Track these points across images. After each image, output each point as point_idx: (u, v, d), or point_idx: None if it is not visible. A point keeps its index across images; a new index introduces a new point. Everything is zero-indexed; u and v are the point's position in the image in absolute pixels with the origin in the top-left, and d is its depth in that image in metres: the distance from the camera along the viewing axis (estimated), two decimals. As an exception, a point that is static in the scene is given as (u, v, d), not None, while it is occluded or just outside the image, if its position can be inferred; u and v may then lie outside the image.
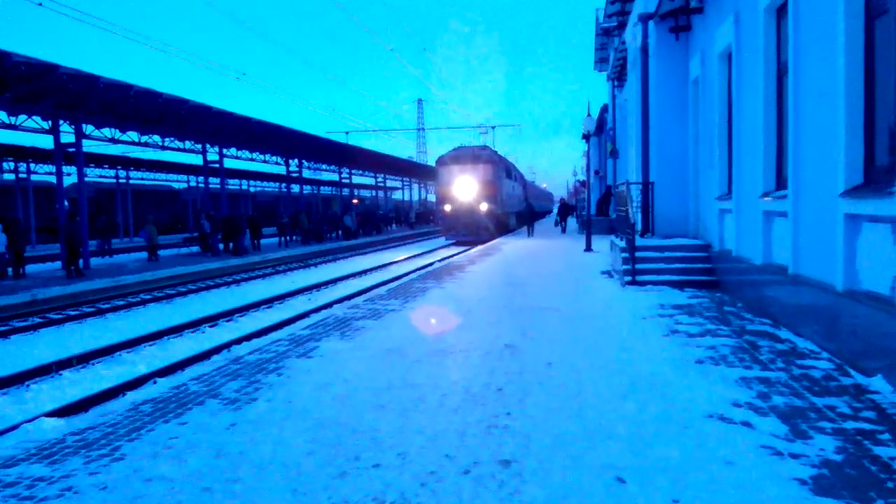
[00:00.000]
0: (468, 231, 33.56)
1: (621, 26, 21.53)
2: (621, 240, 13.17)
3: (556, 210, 44.97)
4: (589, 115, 23.57)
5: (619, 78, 25.23)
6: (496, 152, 38.63)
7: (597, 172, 37.68)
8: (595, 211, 30.99)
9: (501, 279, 13.88)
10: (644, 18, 13.86)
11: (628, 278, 11.87)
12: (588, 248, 20.76)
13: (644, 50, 14.05)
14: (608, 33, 27.56)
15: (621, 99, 25.76)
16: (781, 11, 8.40)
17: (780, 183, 8.55)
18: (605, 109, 33.10)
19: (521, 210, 44.22)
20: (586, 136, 24.47)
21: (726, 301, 10.03)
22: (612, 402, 5.15)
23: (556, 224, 39.49)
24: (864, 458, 3.93)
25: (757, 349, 6.78)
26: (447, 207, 34.16)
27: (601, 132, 34.12)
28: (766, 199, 8.70)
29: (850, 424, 4.49)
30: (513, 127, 62.16)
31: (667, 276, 11.80)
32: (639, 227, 13.60)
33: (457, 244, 34.32)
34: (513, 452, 4.19)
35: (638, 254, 12.08)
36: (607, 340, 7.46)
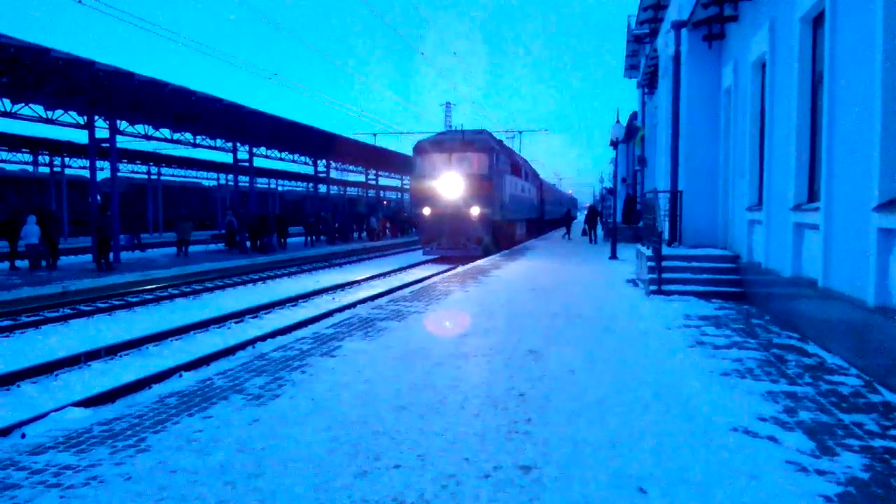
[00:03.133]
0: (454, 243, 25.58)
1: (653, 33, 21.40)
2: (648, 248, 13.06)
3: (583, 217, 39.02)
4: (618, 121, 23.44)
5: (649, 85, 25.08)
6: (497, 139, 29.96)
7: (624, 180, 37.36)
8: (621, 219, 30.78)
9: (525, 285, 13.84)
10: (677, 26, 13.75)
11: (654, 287, 11.77)
12: (613, 256, 20.63)
13: (676, 58, 13.95)
14: (640, 40, 27.41)
15: (651, 106, 25.57)
16: (818, 21, 8.28)
17: (812, 195, 8.43)
18: (634, 117, 32.89)
19: (533, 217, 37.67)
20: (614, 143, 24.25)
21: (753, 313, 9.89)
22: (635, 411, 5.11)
23: (584, 234, 33.12)
24: (891, 476, 3.85)
25: (784, 363, 6.68)
26: (426, 211, 25.66)
27: (630, 139, 33.81)
28: (798, 211, 8.58)
29: (877, 442, 4.40)
30: (540, 132, 62.01)
31: (693, 287, 11.67)
32: (666, 235, 13.49)
33: (439, 261, 26.43)
34: (533, 458, 4.18)
35: (664, 263, 11.98)
36: (631, 349, 7.41)
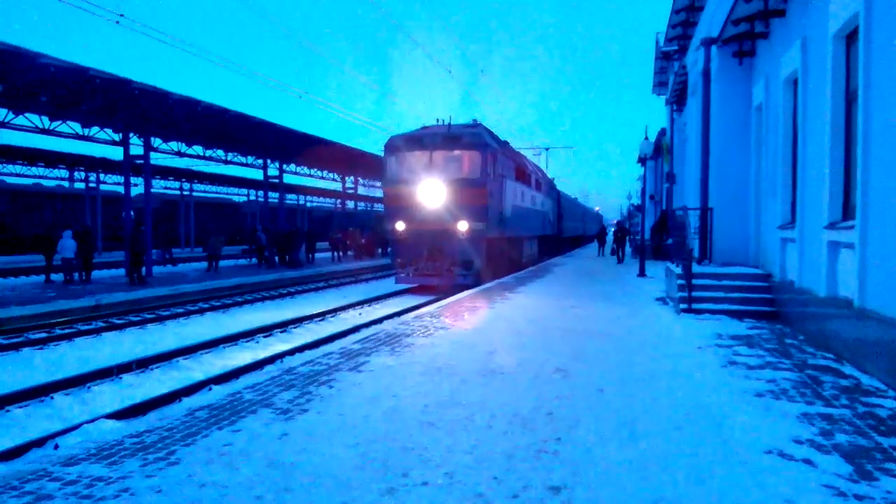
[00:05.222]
0: (435, 268, 19.86)
1: (682, 50, 21.28)
2: (678, 266, 12.91)
3: (611, 235, 38.36)
4: (646, 138, 23.32)
5: (677, 102, 24.93)
6: (495, 135, 23.35)
7: (652, 197, 37.07)
8: (650, 237, 30.48)
9: (552, 303, 13.75)
10: (707, 43, 13.66)
11: (684, 306, 11.62)
12: (641, 273, 20.43)
13: (706, 74, 13.84)
14: (668, 57, 27.22)
15: (680, 123, 25.40)
16: (851, 38, 8.17)
17: (847, 213, 8.27)
18: (662, 133, 32.65)
19: (547, 234, 33.11)
20: (642, 160, 24.10)
21: (787, 333, 9.71)
22: (666, 432, 5.03)
23: (613, 252, 31.85)
24: (935, 504, 3.73)
25: (819, 384, 6.54)
26: (400, 226, 20.01)
27: (658, 156, 33.54)
28: (832, 229, 8.42)
29: (920, 468, 4.27)
30: (567, 149, 61.84)
31: (724, 305, 11.50)
32: (696, 253, 13.32)
33: (413, 292, 21.27)
34: (563, 479, 4.13)
35: (695, 281, 11.82)
36: (662, 368, 7.30)
